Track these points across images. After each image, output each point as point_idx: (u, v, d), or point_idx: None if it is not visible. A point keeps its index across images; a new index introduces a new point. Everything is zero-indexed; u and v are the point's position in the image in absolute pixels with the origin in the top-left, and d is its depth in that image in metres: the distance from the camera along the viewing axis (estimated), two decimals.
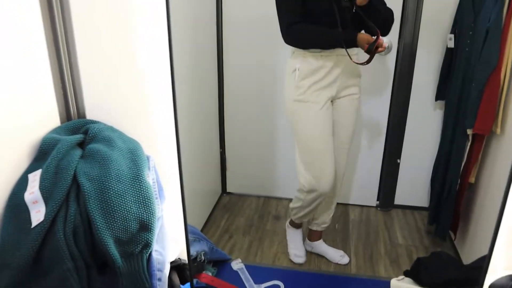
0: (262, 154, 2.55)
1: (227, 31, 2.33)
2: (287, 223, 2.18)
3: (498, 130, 1.66)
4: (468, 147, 1.81)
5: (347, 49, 1.55)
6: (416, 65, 2.18)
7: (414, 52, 2.16)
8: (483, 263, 0.98)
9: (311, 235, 2.12)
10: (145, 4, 0.95)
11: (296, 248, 2.09)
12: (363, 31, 1.61)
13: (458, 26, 1.94)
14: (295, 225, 2.13)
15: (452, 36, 1.97)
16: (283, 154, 2.50)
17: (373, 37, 1.50)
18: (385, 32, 1.66)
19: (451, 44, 1.98)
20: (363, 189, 2.54)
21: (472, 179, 1.86)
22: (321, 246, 2.10)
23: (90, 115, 1.06)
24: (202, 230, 2.29)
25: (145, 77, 1.02)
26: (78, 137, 1.00)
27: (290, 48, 1.72)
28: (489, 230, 1.74)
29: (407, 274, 1.34)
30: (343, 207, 2.56)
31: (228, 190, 2.68)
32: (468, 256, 1.88)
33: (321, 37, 1.61)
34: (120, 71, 1.00)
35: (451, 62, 2.02)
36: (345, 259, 2.05)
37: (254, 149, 2.55)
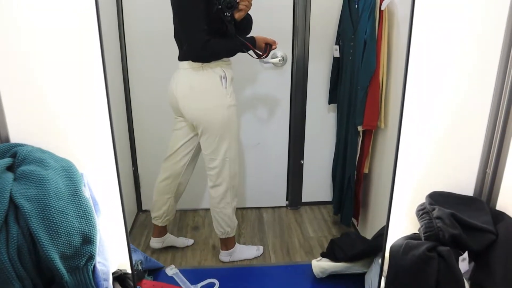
0: None
1: (130, 49, 2.37)
2: (236, 244, 2.20)
3: (382, 125, 1.96)
4: (360, 142, 2.09)
5: (248, 51, 1.87)
6: (309, 74, 2.44)
7: (306, 62, 2.42)
8: (383, 232, 1.18)
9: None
10: (73, 21, 0.99)
11: (253, 249, 2.25)
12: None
13: (341, 38, 2.23)
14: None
15: (337, 47, 2.25)
16: (196, 166, 2.58)
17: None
18: (249, 33, 1.97)
19: (337, 54, 2.27)
20: (273, 192, 2.73)
21: (366, 170, 2.14)
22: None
23: (14, 138, 1.06)
24: None
25: (72, 98, 1.06)
26: (7, 160, 1.00)
27: (193, 63, 1.86)
28: (384, 212, 2.02)
29: (323, 255, 1.53)
30: (257, 210, 2.73)
31: (143, 208, 2.69)
32: (370, 237, 2.15)
33: (231, 47, 1.85)
34: (47, 93, 1.03)
35: (338, 69, 2.31)
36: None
37: None
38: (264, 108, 2.53)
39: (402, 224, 1.19)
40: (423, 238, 1.04)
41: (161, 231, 2.22)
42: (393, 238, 1.16)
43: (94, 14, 0.94)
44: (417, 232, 1.11)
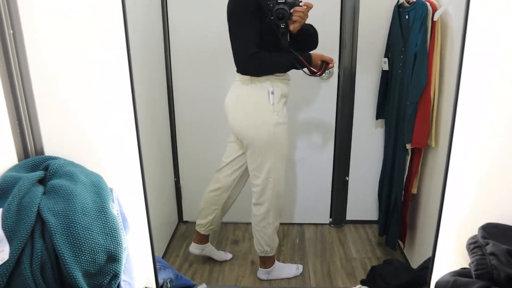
0: None
1: (175, 64, 2.39)
2: (275, 262, 2.14)
3: (433, 143, 1.83)
4: (408, 160, 1.96)
5: (303, 68, 1.77)
6: (356, 88, 2.35)
7: (354, 76, 2.33)
8: (429, 264, 1.07)
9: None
10: (104, 37, 0.98)
11: (292, 268, 2.18)
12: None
13: (390, 51, 2.13)
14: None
15: (386, 59, 2.15)
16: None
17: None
18: (315, 47, 1.88)
19: (386, 67, 2.16)
20: (316, 208, 2.64)
21: (414, 190, 2.01)
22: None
23: (48, 151, 1.07)
24: None
25: (104, 112, 1.05)
26: (39, 173, 1.00)
27: (243, 75, 1.81)
28: (433, 236, 1.88)
29: (363, 283, 1.43)
30: (299, 227, 2.64)
31: (184, 219, 2.69)
32: (417, 262, 2.01)
33: (282, 61, 1.76)
34: (80, 107, 1.02)
35: (387, 83, 2.19)
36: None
37: (208, 176, 2.58)
38: (308, 121, 2.46)
39: (450, 257, 1.08)
40: (474, 276, 0.93)
41: (202, 239, 2.21)
42: (439, 271, 1.05)
43: (123, 33, 0.93)
44: (467, 267, 0.99)
